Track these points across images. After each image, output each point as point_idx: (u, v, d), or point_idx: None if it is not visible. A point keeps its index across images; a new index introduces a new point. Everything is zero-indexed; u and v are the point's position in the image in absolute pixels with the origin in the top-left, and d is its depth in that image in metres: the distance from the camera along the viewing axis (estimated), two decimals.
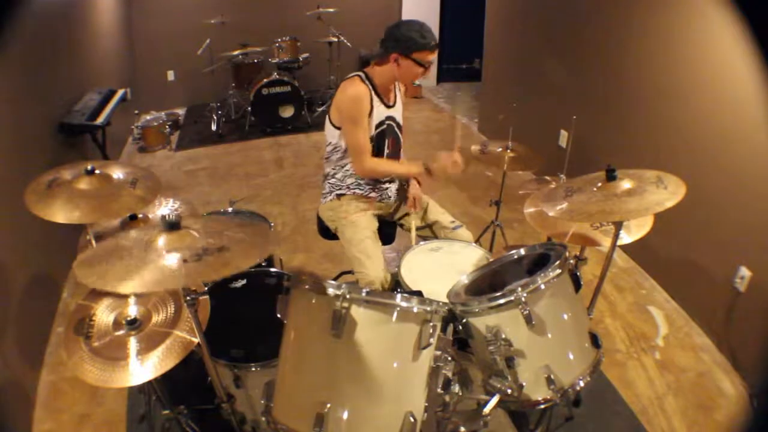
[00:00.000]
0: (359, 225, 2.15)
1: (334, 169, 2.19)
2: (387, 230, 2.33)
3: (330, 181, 2.22)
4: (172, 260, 1.22)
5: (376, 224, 2.22)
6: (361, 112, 2.00)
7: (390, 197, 2.28)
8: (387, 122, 2.11)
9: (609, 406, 2.14)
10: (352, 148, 2.07)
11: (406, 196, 2.30)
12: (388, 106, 2.12)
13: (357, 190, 2.19)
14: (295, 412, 1.29)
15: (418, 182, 2.28)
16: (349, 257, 2.14)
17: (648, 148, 2.86)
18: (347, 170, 2.16)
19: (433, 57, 1.97)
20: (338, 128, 2.07)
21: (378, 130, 2.08)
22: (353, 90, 2.00)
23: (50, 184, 1.65)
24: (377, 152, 2.13)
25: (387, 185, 2.25)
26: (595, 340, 1.55)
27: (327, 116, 2.11)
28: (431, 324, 1.27)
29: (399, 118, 2.19)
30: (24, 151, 2.53)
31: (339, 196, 2.20)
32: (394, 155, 2.22)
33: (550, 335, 1.45)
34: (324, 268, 3.04)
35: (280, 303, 1.38)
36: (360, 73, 2.06)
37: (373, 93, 2.04)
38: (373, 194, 2.21)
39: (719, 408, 2.15)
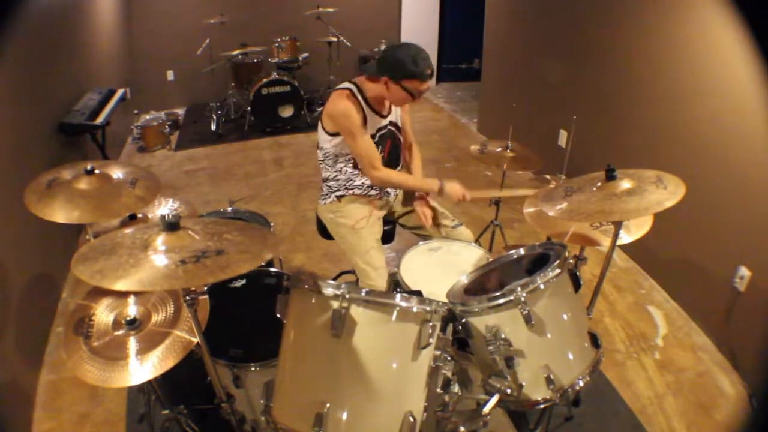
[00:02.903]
0: (364, 233, 2.13)
1: (329, 172, 2.17)
2: (387, 230, 2.32)
3: (328, 184, 2.21)
4: (170, 261, 1.21)
5: (380, 231, 2.21)
6: (355, 124, 1.97)
7: (389, 194, 2.27)
8: (382, 131, 2.10)
9: (608, 405, 2.14)
10: (360, 158, 2.05)
11: (407, 194, 2.30)
12: (383, 116, 2.10)
13: (356, 190, 2.18)
14: (294, 412, 1.29)
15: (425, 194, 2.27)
16: (353, 266, 2.13)
17: (648, 148, 2.86)
18: (344, 173, 2.14)
19: (426, 87, 1.91)
20: (331, 134, 2.05)
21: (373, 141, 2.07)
22: (342, 105, 1.96)
23: (50, 184, 1.65)
24: None
25: None
26: (594, 340, 1.55)
27: (320, 121, 2.09)
28: (431, 324, 1.27)
29: (398, 121, 2.18)
30: (24, 151, 2.53)
31: (339, 197, 2.19)
32: (393, 160, 2.21)
33: (549, 335, 1.45)
34: (324, 268, 3.04)
35: (280, 303, 1.38)
36: (351, 86, 2.02)
37: (364, 106, 2.01)
38: (373, 192, 2.19)
39: (718, 408, 2.15)
